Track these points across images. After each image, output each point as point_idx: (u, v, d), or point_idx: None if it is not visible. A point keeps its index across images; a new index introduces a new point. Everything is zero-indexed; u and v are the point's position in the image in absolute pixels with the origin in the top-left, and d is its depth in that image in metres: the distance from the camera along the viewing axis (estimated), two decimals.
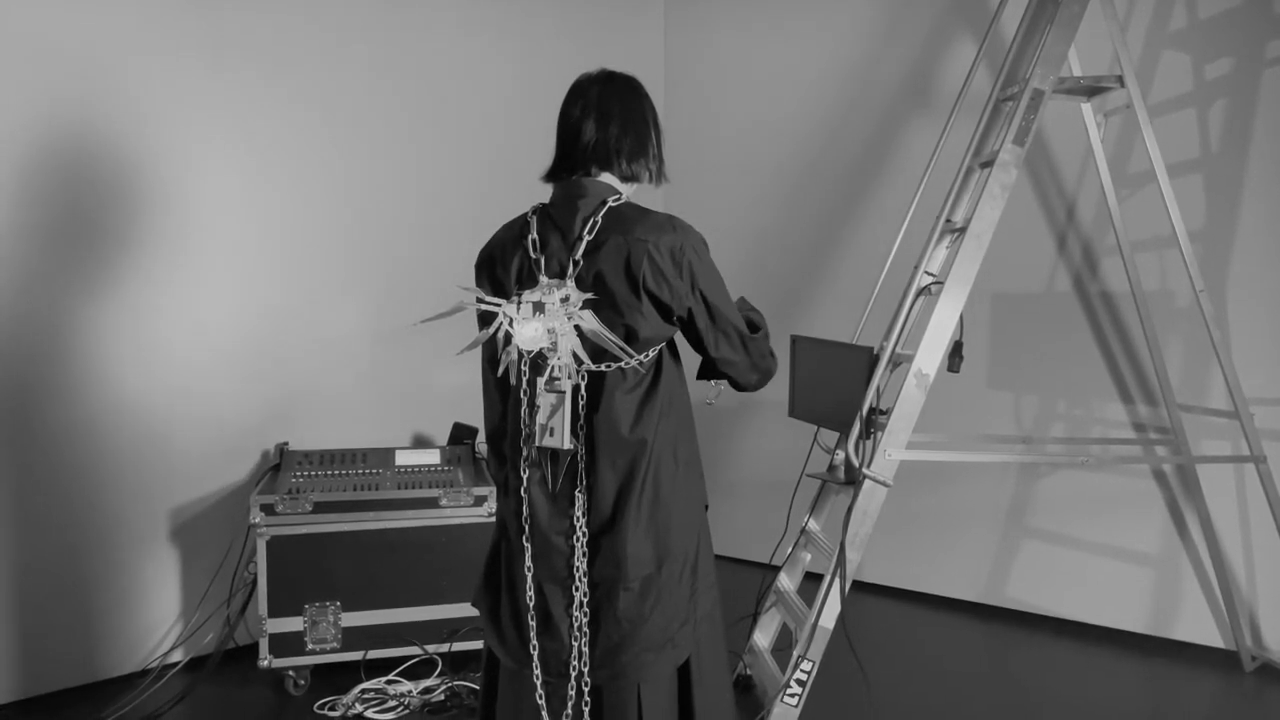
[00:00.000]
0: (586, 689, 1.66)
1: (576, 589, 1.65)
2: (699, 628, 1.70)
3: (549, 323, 1.59)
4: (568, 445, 1.61)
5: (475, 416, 3.61)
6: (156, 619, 3.29)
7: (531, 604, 1.68)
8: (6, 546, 2.97)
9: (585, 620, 1.65)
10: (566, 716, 1.66)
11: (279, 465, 3.33)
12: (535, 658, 1.67)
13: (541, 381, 1.62)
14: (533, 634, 1.68)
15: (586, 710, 1.66)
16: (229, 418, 3.41)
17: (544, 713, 1.67)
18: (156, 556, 3.28)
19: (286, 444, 3.45)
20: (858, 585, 4.21)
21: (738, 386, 1.82)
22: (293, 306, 3.54)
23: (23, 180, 2.94)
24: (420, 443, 3.87)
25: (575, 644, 1.65)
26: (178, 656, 3.27)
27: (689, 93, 4.57)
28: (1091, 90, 3.13)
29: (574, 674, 1.66)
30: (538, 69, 4.12)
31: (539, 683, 1.68)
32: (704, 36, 4.57)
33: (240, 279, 3.41)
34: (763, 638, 3.25)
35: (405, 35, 3.77)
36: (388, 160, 3.75)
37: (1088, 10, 2.93)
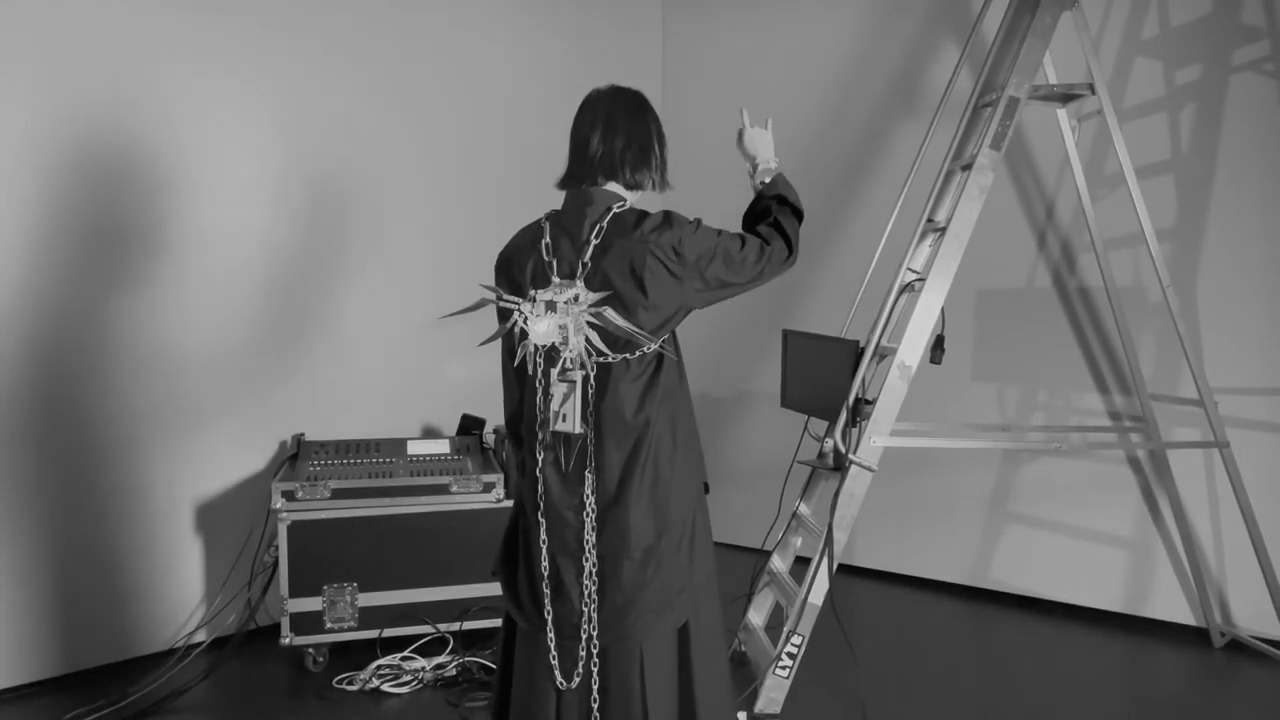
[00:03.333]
0: (595, 650, 1.84)
1: (586, 560, 1.82)
2: (696, 594, 1.88)
3: (560, 319, 1.77)
4: (578, 430, 1.79)
5: (481, 409, 3.82)
6: (182, 601, 3.46)
7: (546, 573, 1.85)
8: (45, 533, 3.14)
9: (594, 589, 1.83)
10: (577, 675, 1.84)
11: (296, 455, 3.49)
12: (549, 622, 1.85)
13: (555, 372, 1.80)
14: (547, 600, 1.85)
15: (595, 670, 1.84)
16: (248, 411, 3.57)
17: (556, 671, 1.85)
18: (182, 542, 3.45)
19: (303, 435, 3.62)
20: (850, 569, 4.39)
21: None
22: (308, 305, 3.71)
23: (60, 181, 3.10)
24: (429, 434, 4.04)
25: (585, 610, 1.83)
26: (201, 637, 3.43)
27: (685, 95, 4.73)
28: (1065, 97, 3.30)
29: (584, 637, 1.83)
30: (539, 74, 4.29)
31: (552, 644, 1.86)
32: (700, 41, 4.74)
33: (260, 280, 3.57)
34: (757, 616, 3.43)
35: (416, 45, 3.93)
36: (398, 164, 3.92)
37: (1062, 21, 3.12)
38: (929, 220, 3.24)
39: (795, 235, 2.02)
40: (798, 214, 2.06)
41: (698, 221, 1.86)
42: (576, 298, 1.77)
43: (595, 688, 1.84)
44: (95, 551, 3.25)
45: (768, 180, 2.13)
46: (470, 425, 3.80)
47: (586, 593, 1.83)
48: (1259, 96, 3.46)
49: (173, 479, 3.42)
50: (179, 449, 3.42)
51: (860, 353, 3.07)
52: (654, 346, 1.80)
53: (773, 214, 2.03)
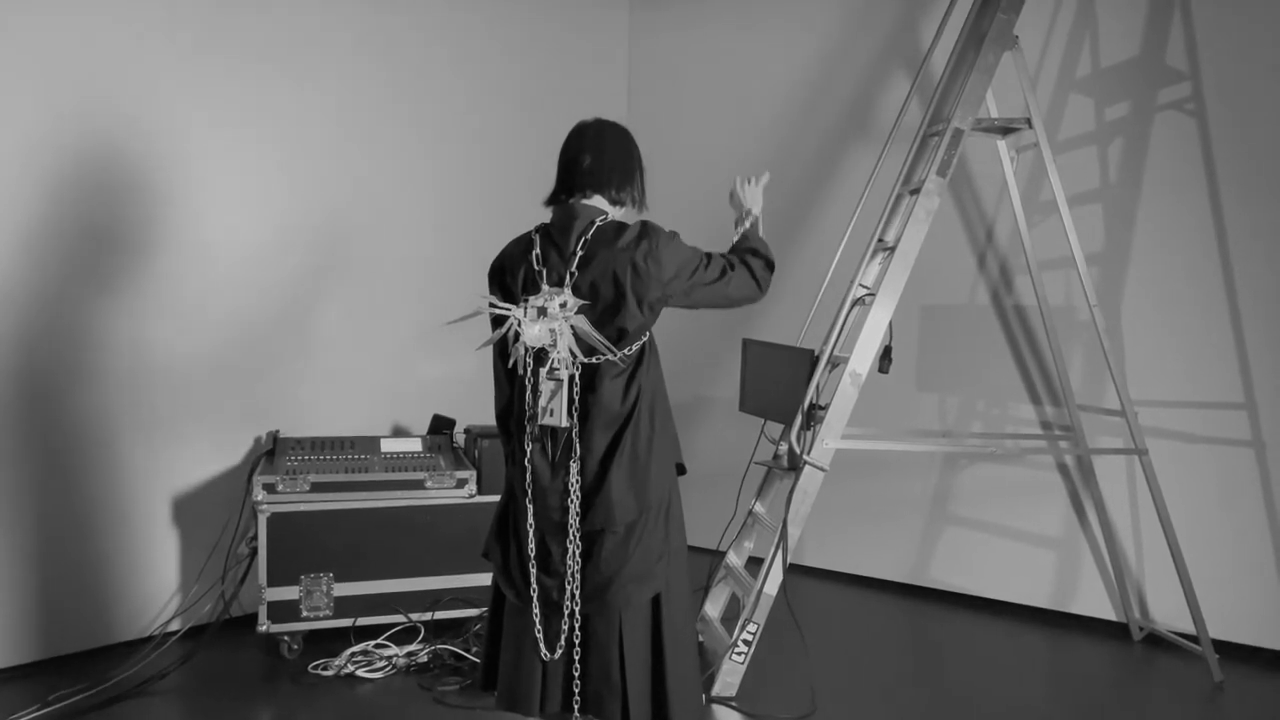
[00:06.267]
0: (578, 624, 2.03)
1: (571, 540, 2.02)
2: (671, 561, 2.09)
3: (550, 324, 1.96)
4: (565, 423, 1.99)
5: (451, 409, 3.98)
6: (158, 591, 3.56)
7: (533, 552, 2.04)
8: (28, 523, 3.24)
9: (577, 568, 2.02)
10: (560, 646, 2.03)
11: (273, 450, 3.62)
12: (535, 596, 2.04)
13: (544, 371, 1.99)
14: (533, 576, 2.04)
15: (577, 640, 2.03)
16: (223, 408, 3.69)
17: (541, 643, 2.04)
18: (158, 535, 3.56)
19: (278, 431, 3.75)
20: (799, 569, 4.62)
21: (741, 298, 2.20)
22: (282, 307, 3.84)
23: (47, 184, 3.22)
24: (399, 433, 4.19)
25: (569, 586, 2.02)
26: (176, 625, 3.53)
27: (648, 114, 4.95)
28: (1005, 129, 3.57)
29: (566, 611, 2.02)
30: (508, 79, 4.48)
31: (538, 618, 2.04)
32: (665, 57, 4.97)
33: (238, 282, 3.70)
34: (713, 608, 3.63)
35: (382, 49, 4.08)
36: (368, 170, 4.07)
37: (1003, 60, 3.39)
38: (879, 240, 3.48)
39: (763, 278, 2.23)
40: (770, 264, 2.27)
41: (675, 234, 2.06)
42: (564, 304, 1.96)
43: (577, 656, 2.03)
44: (75, 542, 3.35)
45: (746, 227, 2.37)
46: (441, 425, 3.95)
47: (570, 571, 2.02)
48: (1180, 133, 3.77)
49: (150, 473, 3.52)
50: (157, 444, 3.53)
51: (815, 361, 3.29)
52: (616, 356, 1.99)
53: (743, 256, 2.24)
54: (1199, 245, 3.73)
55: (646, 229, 2.03)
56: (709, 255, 2.14)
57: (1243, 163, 3.64)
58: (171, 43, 3.45)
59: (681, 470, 2.18)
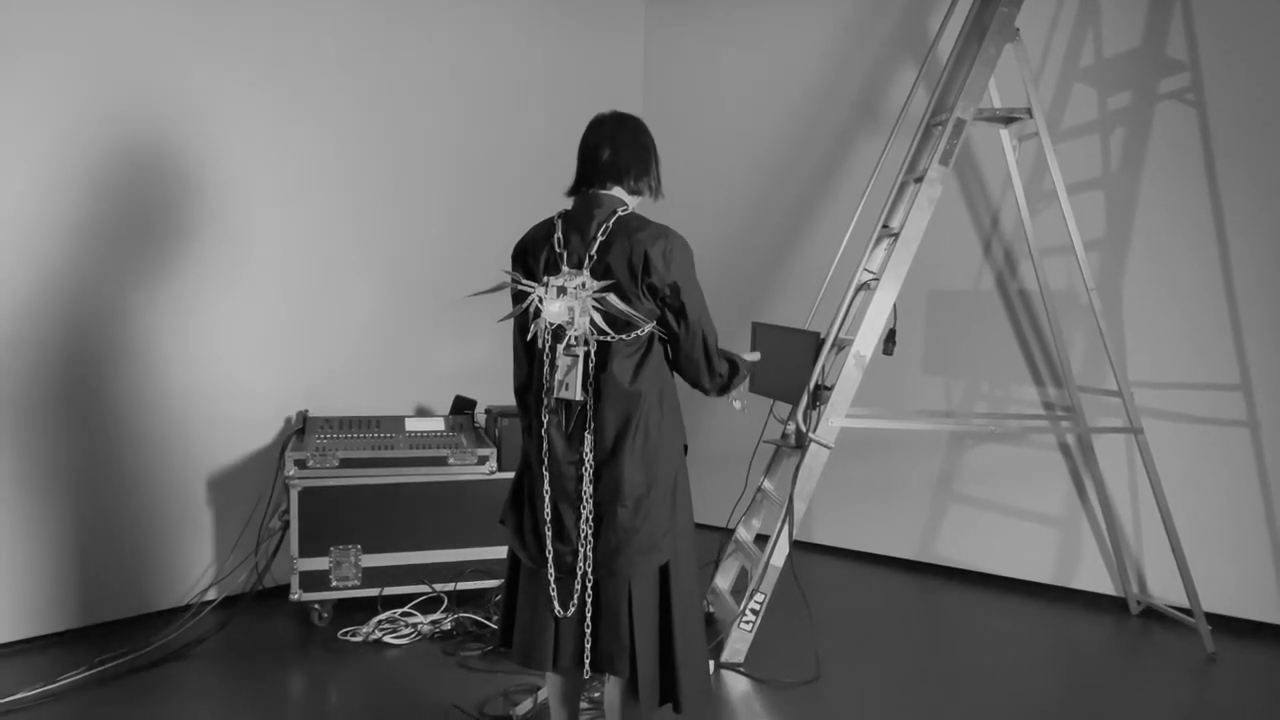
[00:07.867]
0: (590, 584, 2.18)
1: (584, 506, 2.16)
2: (677, 538, 2.23)
3: (569, 302, 2.11)
4: (579, 397, 2.13)
5: (471, 391, 4.14)
6: (195, 562, 3.75)
7: (548, 518, 2.19)
8: (73, 498, 3.42)
9: (590, 532, 2.17)
10: (573, 605, 2.18)
11: (303, 429, 3.79)
12: (550, 559, 2.19)
13: (561, 347, 2.13)
14: (548, 541, 2.19)
15: (589, 600, 2.18)
16: (257, 390, 3.86)
17: (555, 601, 2.19)
18: (196, 509, 3.74)
19: (308, 411, 3.92)
20: (808, 546, 4.76)
21: (686, 365, 2.28)
22: (311, 294, 4.00)
23: (92, 179, 3.39)
24: (422, 413, 4.34)
25: (582, 549, 2.17)
26: (213, 595, 3.72)
27: (663, 103, 5.07)
28: (1007, 119, 3.68)
29: (580, 572, 2.17)
30: (524, 72, 4.61)
31: (552, 579, 2.19)
32: (679, 57, 5.09)
33: (270, 271, 3.86)
34: (723, 581, 3.78)
35: (398, 45, 4.21)
36: (389, 160, 4.21)
37: (1009, 51, 3.50)
38: (884, 226, 3.60)
39: (727, 372, 2.34)
40: (734, 372, 2.37)
41: (690, 255, 2.19)
42: (584, 285, 2.11)
43: (589, 615, 2.18)
44: (118, 516, 3.53)
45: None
46: (463, 405, 4.10)
47: (583, 535, 2.17)
48: (1180, 122, 3.86)
49: (188, 452, 3.70)
50: (194, 424, 3.70)
51: (821, 343, 3.43)
52: (648, 328, 2.14)
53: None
54: (1198, 231, 3.83)
55: (669, 232, 2.17)
56: (704, 313, 2.24)
57: (1241, 151, 3.73)
58: (205, 35, 3.60)
59: (685, 450, 2.32)
